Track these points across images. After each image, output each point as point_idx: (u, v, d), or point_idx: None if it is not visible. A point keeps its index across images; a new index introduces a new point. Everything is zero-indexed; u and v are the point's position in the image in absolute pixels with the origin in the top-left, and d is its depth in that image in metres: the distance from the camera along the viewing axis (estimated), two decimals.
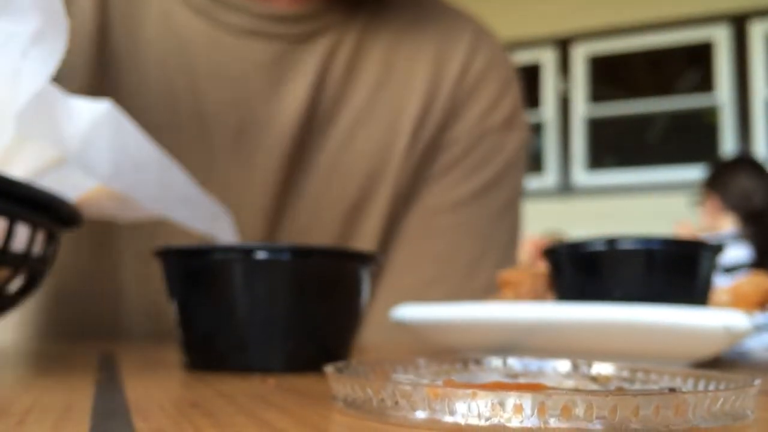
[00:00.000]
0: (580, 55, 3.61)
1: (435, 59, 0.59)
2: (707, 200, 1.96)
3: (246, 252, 0.28)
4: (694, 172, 2.48)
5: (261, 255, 0.28)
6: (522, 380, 0.22)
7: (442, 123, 0.58)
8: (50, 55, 0.29)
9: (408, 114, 0.57)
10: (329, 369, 0.19)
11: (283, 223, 0.54)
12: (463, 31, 0.61)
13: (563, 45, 3.62)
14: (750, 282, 0.39)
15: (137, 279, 0.52)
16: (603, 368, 0.23)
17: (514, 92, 0.63)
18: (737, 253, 1.76)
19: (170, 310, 0.31)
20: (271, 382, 0.25)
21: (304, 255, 0.29)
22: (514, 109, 0.62)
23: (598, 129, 3.59)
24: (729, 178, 1.94)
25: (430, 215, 0.58)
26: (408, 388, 0.16)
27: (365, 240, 0.56)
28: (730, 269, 1.69)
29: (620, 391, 0.20)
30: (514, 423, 0.15)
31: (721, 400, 0.16)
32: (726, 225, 1.91)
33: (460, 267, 0.58)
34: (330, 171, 0.55)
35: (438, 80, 0.59)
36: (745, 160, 2.14)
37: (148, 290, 0.51)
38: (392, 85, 0.57)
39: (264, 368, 0.29)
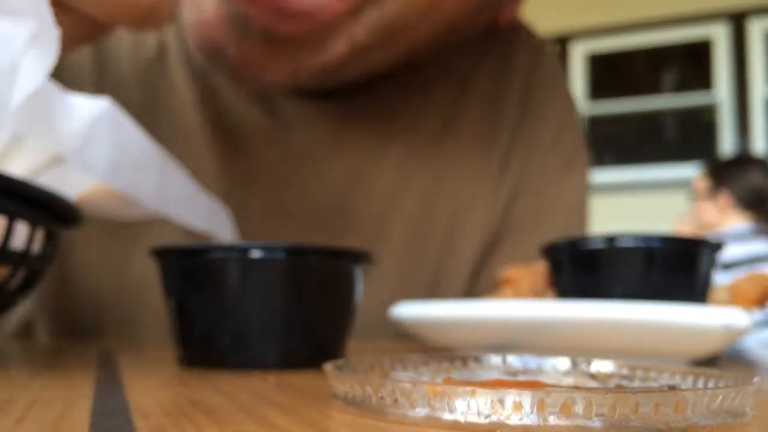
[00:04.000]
0: (579, 53, 3.61)
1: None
2: (718, 196, 1.95)
3: (242, 251, 0.29)
4: (693, 170, 2.49)
5: (257, 254, 0.28)
6: (521, 378, 0.22)
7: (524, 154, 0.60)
8: (46, 56, 0.29)
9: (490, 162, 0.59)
10: (329, 367, 0.19)
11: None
12: None
13: (562, 42, 3.62)
14: (749, 279, 0.39)
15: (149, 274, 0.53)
16: (602, 366, 0.23)
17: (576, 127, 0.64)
18: (743, 248, 1.76)
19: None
20: (271, 379, 0.25)
21: (299, 254, 0.29)
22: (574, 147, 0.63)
23: (597, 127, 3.59)
24: (742, 175, 1.94)
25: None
26: (407, 385, 0.16)
27: (455, 278, 0.57)
28: (727, 266, 1.69)
29: (619, 388, 0.20)
30: (514, 420, 0.15)
31: (720, 397, 0.16)
32: (732, 221, 1.91)
33: None
34: (417, 216, 0.57)
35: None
36: (754, 159, 2.14)
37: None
38: None
39: (261, 365, 0.29)
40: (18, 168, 0.31)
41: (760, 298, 0.39)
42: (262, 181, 0.54)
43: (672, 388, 0.18)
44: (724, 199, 1.93)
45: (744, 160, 2.12)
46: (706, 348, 0.32)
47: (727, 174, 1.98)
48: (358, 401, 0.18)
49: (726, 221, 1.92)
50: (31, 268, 0.30)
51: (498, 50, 0.61)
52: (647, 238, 0.35)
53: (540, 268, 0.43)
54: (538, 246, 0.40)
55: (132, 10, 0.35)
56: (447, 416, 0.16)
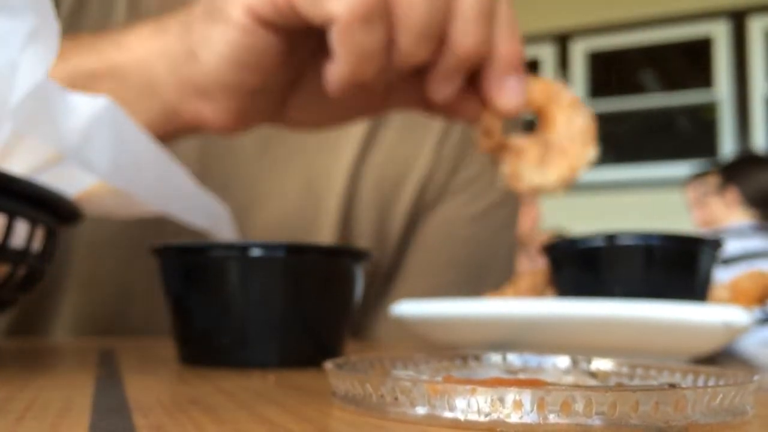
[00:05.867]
0: (580, 51, 3.61)
1: None
2: (726, 191, 1.96)
3: (242, 249, 0.29)
4: (694, 169, 2.49)
5: (256, 252, 0.28)
6: (521, 376, 0.22)
7: (461, 143, 0.62)
8: (46, 53, 0.29)
9: (432, 129, 0.61)
10: (329, 365, 0.19)
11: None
12: None
13: (562, 41, 3.62)
14: (749, 277, 0.39)
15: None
16: (602, 364, 0.23)
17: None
18: (742, 244, 1.77)
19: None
20: (271, 378, 0.25)
21: (299, 252, 0.29)
22: None
23: (597, 125, 3.59)
24: (752, 174, 1.95)
25: (449, 225, 0.62)
26: (407, 384, 0.16)
27: (386, 243, 0.59)
28: (726, 261, 1.70)
29: (619, 386, 0.20)
30: (514, 419, 0.15)
31: (720, 396, 0.16)
32: (735, 218, 1.92)
33: (473, 272, 0.62)
34: (366, 178, 0.58)
35: None
36: (766, 159, 2.16)
37: None
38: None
39: (261, 363, 0.29)
40: (18, 166, 0.31)
41: (760, 296, 0.39)
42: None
43: (672, 386, 0.18)
44: (732, 195, 1.94)
45: (755, 158, 2.13)
46: (706, 346, 0.32)
47: (738, 171, 1.99)
48: (358, 399, 0.18)
49: (731, 217, 1.93)
50: (31, 266, 0.30)
51: None
52: (647, 237, 0.35)
53: (540, 266, 0.43)
54: None
55: None
56: (447, 414, 0.16)
